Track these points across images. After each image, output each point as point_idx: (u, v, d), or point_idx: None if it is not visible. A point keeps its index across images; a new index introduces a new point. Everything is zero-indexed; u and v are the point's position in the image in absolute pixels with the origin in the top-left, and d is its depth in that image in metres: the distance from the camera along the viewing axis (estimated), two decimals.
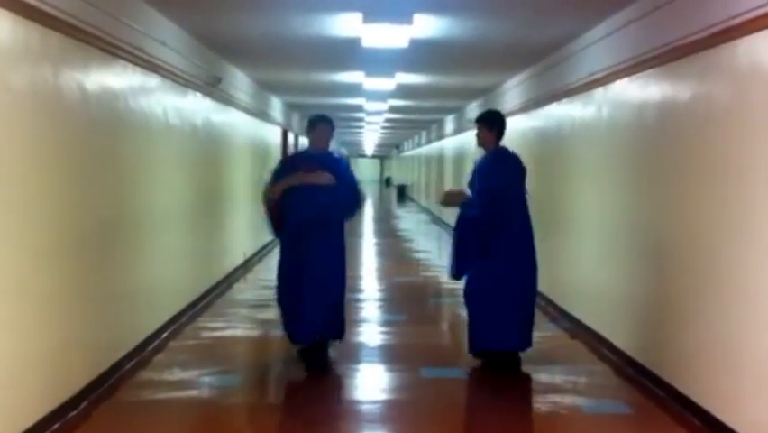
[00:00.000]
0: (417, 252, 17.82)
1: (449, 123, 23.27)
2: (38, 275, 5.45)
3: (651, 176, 7.01)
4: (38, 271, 5.45)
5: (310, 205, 7.23)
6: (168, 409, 6.37)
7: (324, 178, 7.26)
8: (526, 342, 7.31)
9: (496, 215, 7.09)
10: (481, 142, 7.43)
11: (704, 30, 5.82)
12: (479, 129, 7.42)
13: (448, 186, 7.41)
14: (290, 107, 20.84)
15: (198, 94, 10.21)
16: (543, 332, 9.05)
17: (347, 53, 10.96)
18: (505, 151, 7.44)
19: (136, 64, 7.49)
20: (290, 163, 7.79)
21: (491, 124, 7.39)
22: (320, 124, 7.46)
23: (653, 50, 6.83)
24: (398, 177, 54.46)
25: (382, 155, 70.17)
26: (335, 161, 7.57)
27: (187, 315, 9.35)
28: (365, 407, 6.58)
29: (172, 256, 8.97)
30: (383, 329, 9.40)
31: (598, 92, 8.52)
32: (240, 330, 9.21)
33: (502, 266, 7.16)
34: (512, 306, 7.14)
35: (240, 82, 13.31)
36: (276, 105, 18.21)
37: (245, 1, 7.96)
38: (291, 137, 21.73)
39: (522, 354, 7.37)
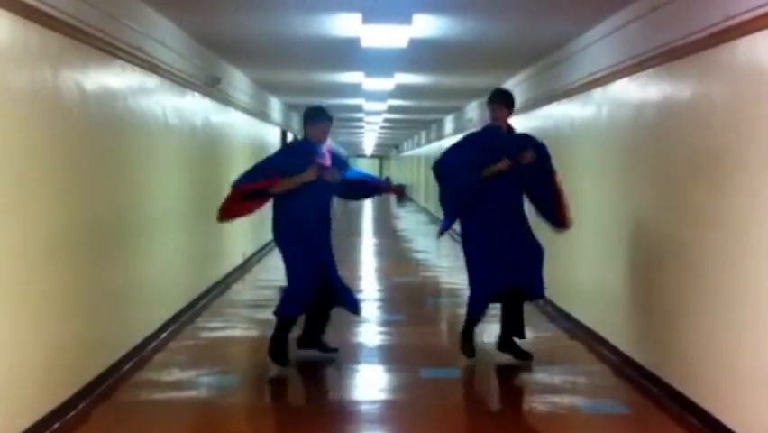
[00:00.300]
0: (416, 252, 17.82)
1: (448, 123, 23.25)
2: (36, 275, 5.44)
3: (650, 176, 7.00)
4: (36, 272, 5.44)
5: (320, 201, 7.42)
6: (166, 409, 6.37)
7: (337, 176, 7.45)
8: (534, 287, 7.54)
9: None
10: (500, 121, 7.55)
11: (703, 30, 5.81)
12: (496, 108, 7.53)
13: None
14: (289, 108, 20.83)
15: (197, 94, 10.21)
16: (541, 332, 9.05)
17: (346, 53, 10.95)
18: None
19: (135, 64, 7.48)
20: (304, 154, 7.44)
21: (510, 102, 7.66)
22: (325, 120, 7.46)
23: (652, 50, 6.83)
24: (398, 177, 54.42)
25: (381, 155, 70.10)
26: (338, 156, 7.86)
27: (185, 315, 9.34)
28: (364, 407, 6.58)
29: (171, 256, 8.97)
30: (382, 329, 9.40)
31: (597, 92, 8.51)
32: (238, 331, 9.21)
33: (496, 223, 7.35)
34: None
35: (239, 82, 13.30)
36: (275, 106, 18.21)
37: (244, 1, 7.95)
38: (290, 137, 21.72)
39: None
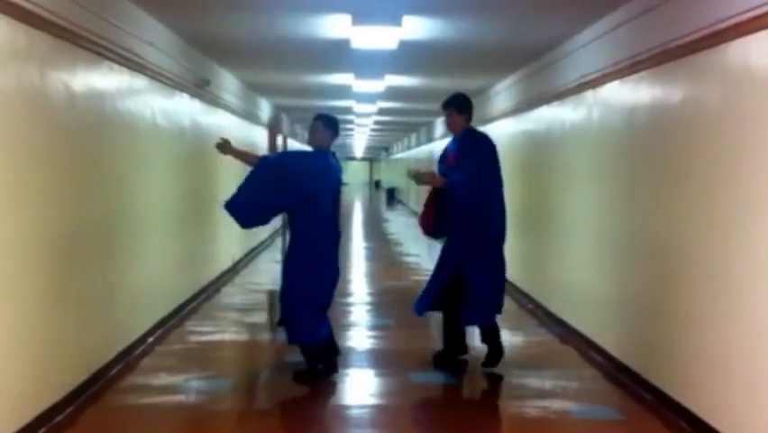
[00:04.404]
0: (407, 255, 17.77)
1: (438, 125, 23.23)
2: (23, 278, 5.39)
3: (641, 178, 6.98)
4: (24, 274, 5.38)
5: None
6: (154, 414, 6.31)
7: None
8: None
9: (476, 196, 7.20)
10: (451, 126, 7.48)
11: (695, 32, 5.80)
12: (448, 114, 7.43)
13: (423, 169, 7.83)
14: (279, 109, 20.78)
15: (186, 95, 10.16)
16: (533, 336, 9.03)
17: (336, 55, 10.92)
18: (478, 131, 7.57)
19: (123, 65, 7.43)
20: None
21: (461, 107, 7.44)
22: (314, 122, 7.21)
23: (643, 52, 6.81)
24: (388, 180, 54.42)
25: (372, 158, 70.15)
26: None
27: (174, 319, 9.29)
28: (354, 412, 6.53)
29: (159, 259, 8.91)
30: (372, 334, 9.36)
31: (589, 95, 8.49)
32: (228, 334, 9.15)
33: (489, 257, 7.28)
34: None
35: (228, 84, 13.26)
36: (264, 107, 18.16)
37: (234, 2, 7.90)
38: (280, 139, 21.65)
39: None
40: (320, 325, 7.04)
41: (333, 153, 7.26)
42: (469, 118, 7.47)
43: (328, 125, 7.16)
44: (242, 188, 6.98)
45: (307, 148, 7.33)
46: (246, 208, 6.98)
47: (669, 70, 6.39)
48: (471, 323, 7.47)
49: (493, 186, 7.29)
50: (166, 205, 9.25)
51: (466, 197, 7.17)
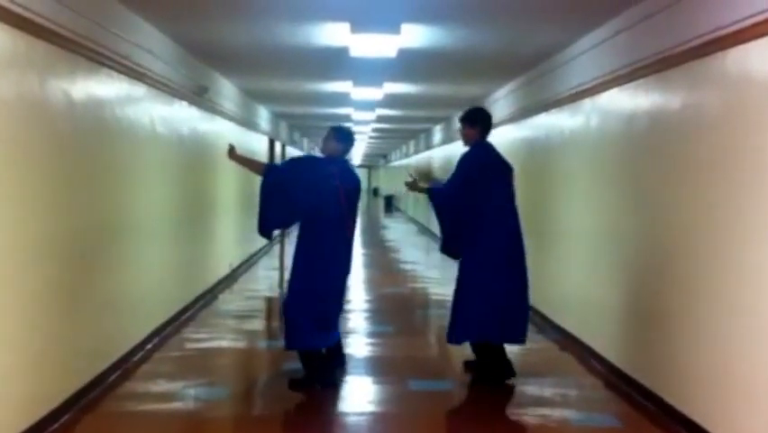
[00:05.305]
0: (405, 262, 17.76)
1: (437, 132, 23.24)
2: (21, 284, 5.38)
3: (641, 185, 6.98)
4: (21, 281, 5.38)
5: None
6: (152, 421, 6.30)
7: None
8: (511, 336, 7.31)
9: (467, 198, 7.18)
10: (466, 140, 7.53)
11: (693, 39, 5.81)
12: (462, 128, 7.56)
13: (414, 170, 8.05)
14: (277, 116, 20.79)
15: (185, 103, 10.15)
16: (531, 344, 8.96)
17: (335, 63, 10.92)
18: (484, 144, 7.48)
19: (122, 73, 7.43)
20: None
21: (472, 121, 7.52)
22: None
23: (642, 59, 6.81)
24: (386, 187, 54.40)
25: (370, 165, 70.16)
26: None
27: (172, 325, 9.28)
28: (352, 419, 6.52)
29: (157, 266, 8.90)
30: (370, 341, 9.34)
31: (587, 102, 8.49)
32: (226, 341, 9.13)
33: (491, 263, 7.17)
34: (499, 300, 7.15)
35: (227, 91, 13.25)
36: (263, 115, 18.16)
37: (233, 10, 7.91)
38: (278, 146, 21.67)
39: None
40: (320, 334, 7.03)
41: (345, 161, 7.43)
42: (482, 132, 7.47)
43: (338, 137, 7.31)
44: (261, 212, 7.17)
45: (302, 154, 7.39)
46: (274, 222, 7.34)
47: (668, 77, 6.39)
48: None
49: (479, 194, 7.23)
50: (164, 211, 9.24)
51: (441, 200, 7.41)
